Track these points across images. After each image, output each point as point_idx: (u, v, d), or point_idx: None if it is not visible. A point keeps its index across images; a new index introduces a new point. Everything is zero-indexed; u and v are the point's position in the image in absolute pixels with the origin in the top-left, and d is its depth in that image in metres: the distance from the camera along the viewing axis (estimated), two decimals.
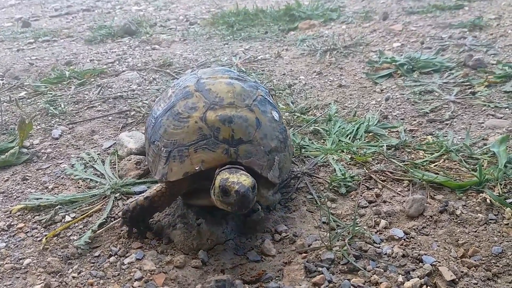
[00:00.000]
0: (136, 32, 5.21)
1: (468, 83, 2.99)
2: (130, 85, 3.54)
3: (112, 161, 2.35)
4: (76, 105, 3.20)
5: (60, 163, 2.41)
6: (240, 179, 1.45)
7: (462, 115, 2.59)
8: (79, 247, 1.70)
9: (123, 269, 1.59)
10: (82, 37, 5.25)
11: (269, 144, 1.71)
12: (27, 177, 2.28)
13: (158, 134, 1.76)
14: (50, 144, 2.65)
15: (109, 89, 3.48)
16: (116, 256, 1.65)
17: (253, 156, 1.64)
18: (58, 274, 1.59)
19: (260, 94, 1.86)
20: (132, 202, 1.67)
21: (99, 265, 1.62)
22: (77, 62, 4.32)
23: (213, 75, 1.92)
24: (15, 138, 2.67)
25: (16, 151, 2.49)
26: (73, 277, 1.56)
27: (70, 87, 3.57)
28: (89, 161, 2.38)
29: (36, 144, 2.65)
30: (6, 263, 1.65)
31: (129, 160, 2.25)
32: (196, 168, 1.60)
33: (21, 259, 1.67)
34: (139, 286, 1.49)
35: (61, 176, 2.27)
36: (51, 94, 3.44)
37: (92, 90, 3.49)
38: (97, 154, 2.45)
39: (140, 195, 1.68)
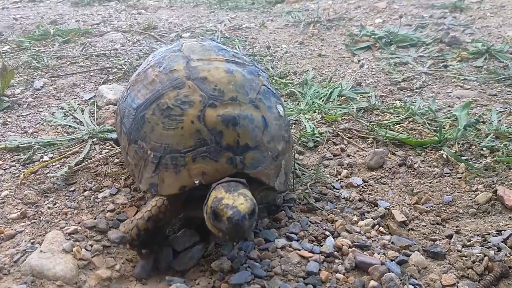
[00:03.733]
0: None
1: (441, 58, 3.10)
2: (114, 44, 3.58)
3: (91, 110, 2.41)
4: (59, 60, 3.24)
5: (41, 111, 2.47)
6: (236, 202, 1.18)
7: (432, 85, 2.70)
8: (55, 183, 1.78)
9: (96, 202, 1.67)
10: None
11: (276, 147, 1.45)
12: (7, 122, 2.34)
13: (142, 132, 1.44)
14: (31, 94, 2.70)
15: (93, 48, 3.51)
16: (90, 191, 1.73)
17: (260, 164, 1.37)
18: (34, 205, 1.66)
19: (263, 83, 1.56)
20: (132, 229, 1.37)
21: (73, 198, 1.70)
22: (62, 22, 4.33)
23: (205, 55, 1.55)
24: None
25: None
26: (48, 208, 1.64)
27: (54, 44, 3.59)
28: (69, 110, 2.44)
29: (18, 94, 2.70)
30: None
31: (108, 109, 2.32)
32: (196, 182, 1.31)
33: None
34: (111, 217, 1.58)
35: (41, 123, 2.33)
36: (35, 49, 3.47)
37: (75, 47, 3.52)
38: (77, 104, 2.51)
39: (137, 216, 1.38)
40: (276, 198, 1.56)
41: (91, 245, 1.43)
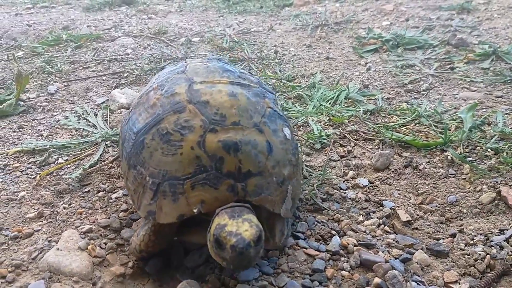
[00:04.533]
0: (134, 2, 5.30)
1: (448, 60, 3.13)
2: (125, 49, 3.66)
3: (104, 114, 2.48)
4: (72, 65, 3.32)
5: (55, 115, 2.54)
6: (241, 229, 1.13)
7: (439, 87, 2.73)
8: (70, 184, 1.84)
9: (110, 202, 1.73)
10: (80, 5, 5.34)
11: (281, 172, 1.38)
12: (23, 126, 2.41)
13: (141, 157, 1.40)
14: (45, 98, 2.77)
15: (105, 52, 3.59)
16: (104, 191, 1.79)
17: (264, 191, 1.31)
18: (50, 205, 1.73)
19: (269, 105, 1.50)
20: (133, 252, 1.42)
21: (88, 199, 1.76)
22: (74, 27, 4.42)
23: (209, 77, 1.51)
24: (12, 92, 2.79)
25: (13, 102, 2.61)
26: (64, 208, 1.70)
27: (67, 49, 3.68)
28: (83, 113, 2.51)
29: (32, 98, 2.78)
30: (2, 195, 1.78)
31: (120, 113, 2.39)
32: (194, 211, 1.27)
33: (16, 192, 1.81)
34: (124, 216, 1.64)
35: (56, 126, 2.40)
36: (48, 54, 3.56)
37: (88, 52, 3.60)
38: (91, 108, 2.58)
39: (132, 245, 1.40)
40: (284, 227, 1.44)
41: (105, 243, 1.49)
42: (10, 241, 1.53)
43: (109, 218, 1.61)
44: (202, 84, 1.47)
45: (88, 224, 1.59)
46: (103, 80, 3.07)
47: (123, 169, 1.54)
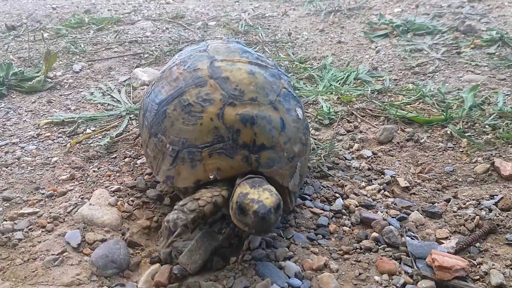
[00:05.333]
0: None
1: (456, 45, 3.24)
2: (145, 32, 3.82)
3: (127, 90, 2.65)
4: (94, 46, 3.50)
5: (81, 91, 2.72)
6: (262, 197, 1.21)
7: (444, 70, 2.85)
8: (99, 151, 2.02)
9: (136, 166, 1.90)
10: None
11: (292, 149, 1.46)
12: (51, 100, 2.59)
13: (162, 126, 1.49)
14: (71, 76, 2.95)
15: (125, 35, 3.76)
16: (130, 158, 1.97)
17: (275, 164, 1.39)
18: (81, 169, 1.90)
19: (284, 85, 1.58)
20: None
21: (115, 164, 1.93)
22: (96, 11, 4.59)
23: (229, 56, 1.60)
24: (39, 70, 2.97)
25: (42, 79, 2.79)
26: (94, 171, 1.88)
27: (89, 32, 3.86)
28: (107, 90, 2.68)
29: (59, 76, 2.96)
30: (37, 160, 1.96)
31: (142, 89, 2.55)
32: (211, 177, 1.35)
33: (49, 157, 1.99)
34: (149, 179, 1.80)
35: (82, 101, 2.58)
36: (72, 36, 3.74)
37: (109, 35, 3.77)
38: (114, 85, 2.75)
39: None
40: (291, 201, 1.50)
41: (133, 201, 1.66)
42: (46, 199, 1.71)
43: (135, 180, 1.78)
44: (223, 62, 1.55)
45: (117, 185, 1.76)
46: (125, 60, 3.24)
47: (144, 137, 1.63)
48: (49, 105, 2.55)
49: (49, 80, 2.86)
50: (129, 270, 1.38)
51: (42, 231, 1.53)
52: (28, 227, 1.54)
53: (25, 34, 3.76)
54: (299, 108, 1.59)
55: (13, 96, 2.66)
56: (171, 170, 1.43)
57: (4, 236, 1.48)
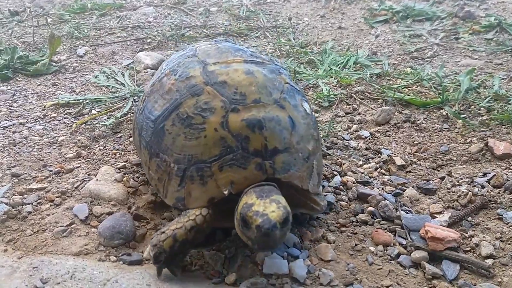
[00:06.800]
0: None
1: (454, 31, 3.28)
2: (147, 17, 3.86)
3: (131, 74, 2.70)
4: (97, 31, 3.54)
5: (85, 74, 2.77)
6: (267, 209, 1.11)
7: (442, 55, 2.90)
8: (104, 131, 2.07)
9: None
10: None
11: (306, 147, 1.37)
12: (56, 83, 2.65)
13: (163, 144, 1.39)
14: (75, 60, 3.00)
15: (128, 20, 3.80)
16: None
17: (292, 167, 1.30)
18: (87, 148, 1.96)
19: (286, 80, 1.48)
20: (166, 240, 1.24)
21: (120, 143, 1.99)
22: None
23: (222, 57, 1.49)
24: (44, 54, 3.01)
25: (47, 62, 2.84)
26: (99, 150, 1.94)
27: (92, 17, 3.90)
28: (111, 73, 2.73)
29: (63, 60, 3.01)
30: (44, 139, 2.02)
31: (146, 72, 2.61)
32: (225, 192, 1.25)
33: (56, 137, 2.04)
34: None
35: (86, 84, 2.63)
36: (75, 21, 3.78)
37: (112, 20, 3.81)
38: (118, 69, 2.80)
39: (173, 227, 1.26)
40: (317, 201, 1.41)
41: (138, 177, 1.72)
42: (54, 175, 1.77)
43: (140, 158, 1.84)
44: (216, 65, 1.44)
45: (122, 162, 1.82)
46: (128, 45, 3.28)
47: (144, 159, 1.51)
48: (54, 87, 2.60)
49: (54, 63, 2.91)
50: (135, 241, 1.44)
51: (50, 205, 1.59)
52: (37, 201, 1.60)
53: (29, 19, 3.79)
54: (305, 102, 1.51)
55: (19, 79, 2.71)
56: (181, 191, 1.33)
57: (14, 209, 1.55)
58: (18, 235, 1.45)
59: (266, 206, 1.12)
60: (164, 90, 1.47)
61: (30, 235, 1.45)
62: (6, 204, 1.57)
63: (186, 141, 1.33)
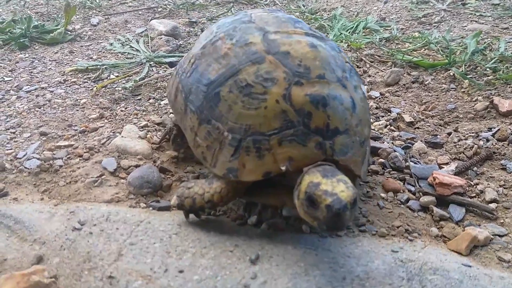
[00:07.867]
0: None
1: None
2: None
3: (145, 41, 2.78)
4: (110, 1, 3.60)
5: (101, 42, 2.85)
6: (336, 189, 1.05)
7: (449, 20, 2.95)
8: (124, 94, 2.16)
9: (160, 106, 2.05)
10: None
11: (363, 132, 1.30)
12: (73, 51, 2.73)
13: (216, 111, 1.30)
14: (90, 29, 3.07)
15: None
16: (154, 99, 2.12)
17: (349, 151, 1.23)
18: (109, 109, 2.06)
19: (346, 59, 1.40)
20: (187, 199, 1.31)
21: (141, 104, 2.08)
22: None
23: (282, 27, 1.38)
24: (58, 23, 3.09)
25: (62, 31, 2.92)
26: (121, 111, 2.03)
27: None
28: (125, 41, 2.81)
29: (78, 29, 3.08)
30: (67, 101, 2.11)
31: (160, 39, 2.68)
32: (282, 168, 1.19)
33: (78, 99, 2.14)
34: (172, 117, 1.95)
35: (102, 51, 2.71)
36: None
37: None
38: (132, 36, 2.87)
39: (196, 189, 1.31)
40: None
41: (160, 135, 1.82)
42: (79, 134, 1.86)
43: (161, 117, 1.93)
44: (277, 34, 1.34)
45: (144, 122, 1.91)
46: (139, 14, 3.35)
47: (189, 124, 1.41)
48: (71, 55, 2.68)
49: (69, 32, 2.98)
50: (162, 190, 1.54)
51: (79, 160, 1.69)
52: (66, 156, 1.70)
53: None
54: (362, 85, 1.43)
55: (36, 48, 2.79)
56: (233, 162, 1.25)
57: (46, 163, 1.65)
58: (52, 186, 1.55)
59: (335, 186, 1.06)
60: (219, 54, 1.37)
61: (63, 186, 1.55)
62: (38, 159, 1.67)
63: (244, 110, 1.24)
